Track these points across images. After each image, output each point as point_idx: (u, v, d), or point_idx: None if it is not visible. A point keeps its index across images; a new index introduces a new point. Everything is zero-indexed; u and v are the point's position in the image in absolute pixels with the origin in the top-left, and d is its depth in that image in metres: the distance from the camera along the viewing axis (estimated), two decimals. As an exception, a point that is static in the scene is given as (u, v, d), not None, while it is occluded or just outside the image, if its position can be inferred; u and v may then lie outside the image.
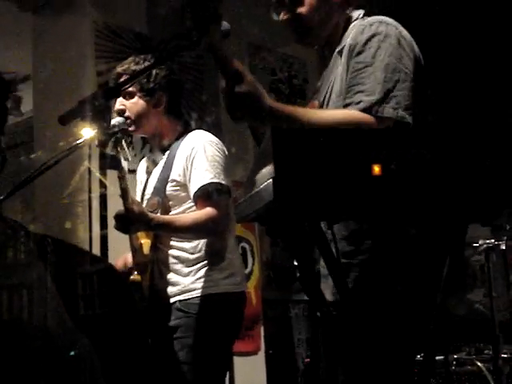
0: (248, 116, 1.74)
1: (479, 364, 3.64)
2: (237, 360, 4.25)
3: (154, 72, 2.79)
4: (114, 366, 2.58)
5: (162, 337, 2.69)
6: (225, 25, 1.91)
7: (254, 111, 1.71)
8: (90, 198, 4.07)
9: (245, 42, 5.33)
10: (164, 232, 2.72)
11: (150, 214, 2.61)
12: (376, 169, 1.39)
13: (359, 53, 1.88)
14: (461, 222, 1.59)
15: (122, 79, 2.66)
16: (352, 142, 1.40)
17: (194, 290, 2.68)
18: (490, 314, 3.53)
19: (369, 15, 2.03)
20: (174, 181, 2.73)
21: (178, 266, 2.73)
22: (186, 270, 2.71)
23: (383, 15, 1.97)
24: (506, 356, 3.53)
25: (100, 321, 2.60)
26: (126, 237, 2.76)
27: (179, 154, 2.75)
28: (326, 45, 2.10)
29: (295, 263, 1.76)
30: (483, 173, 1.46)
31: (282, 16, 2.06)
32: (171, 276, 2.73)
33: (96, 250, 3.94)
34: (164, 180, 2.76)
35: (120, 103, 2.79)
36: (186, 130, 2.86)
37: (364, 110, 1.81)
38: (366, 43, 1.88)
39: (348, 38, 1.97)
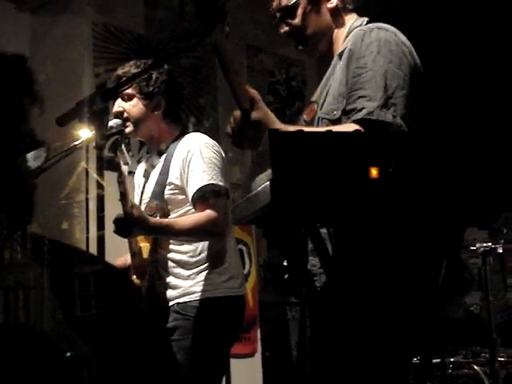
0: (252, 142, 1.77)
1: (476, 367, 3.64)
2: (233, 362, 4.24)
3: (154, 76, 2.78)
4: (111, 367, 2.58)
5: (160, 339, 2.68)
6: (223, 26, 1.91)
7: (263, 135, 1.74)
8: (87, 199, 4.06)
9: (243, 43, 5.33)
10: (164, 236, 2.71)
11: (149, 218, 2.60)
12: (373, 172, 1.39)
13: (359, 58, 1.90)
14: (458, 226, 1.59)
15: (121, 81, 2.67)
16: (350, 145, 1.41)
17: (194, 293, 2.67)
18: (486, 317, 3.53)
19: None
20: (171, 184, 2.73)
21: (178, 270, 2.72)
22: (186, 273, 2.71)
23: (381, 21, 1.99)
24: (502, 359, 3.53)
25: (98, 321, 2.59)
26: (123, 238, 2.75)
27: (176, 156, 2.75)
28: (329, 51, 2.13)
29: (285, 263, 1.77)
30: (480, 177, 1.46)
31: (282, 29, 2.13)
32: (170, 279, 2.72)
33: (93, 251, 3.93)
34: (162, 183, 2.75)
35: (118, 105, 2.79)
36: (183, 132, 2.86)
37: (367, 115, 1.82)
38: (366, 49, 1.90)
39: (349, 43, 1.99)
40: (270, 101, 5.32)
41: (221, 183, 2.68)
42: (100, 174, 4.03)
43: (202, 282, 2.68)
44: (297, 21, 2.08)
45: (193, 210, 2.70)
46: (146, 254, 2.73)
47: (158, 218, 2.70)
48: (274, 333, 5.17)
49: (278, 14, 2.11)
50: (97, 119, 1.82)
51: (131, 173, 3.10)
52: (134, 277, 2.73)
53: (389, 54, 1.87)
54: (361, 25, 2.05)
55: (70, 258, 2.77)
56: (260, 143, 1.76)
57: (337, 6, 2.11)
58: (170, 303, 2.69)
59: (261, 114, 1.78)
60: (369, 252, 1.85)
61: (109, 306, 2.62)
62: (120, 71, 2.77)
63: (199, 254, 2.71)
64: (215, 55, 1.76)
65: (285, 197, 1.36)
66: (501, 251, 3.70)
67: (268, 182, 1.36)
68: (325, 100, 2.01)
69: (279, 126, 1.79)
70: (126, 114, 2.77)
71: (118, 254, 2.92)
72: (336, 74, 1.99)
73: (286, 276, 1.86)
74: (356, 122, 1.83)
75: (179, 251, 2.72)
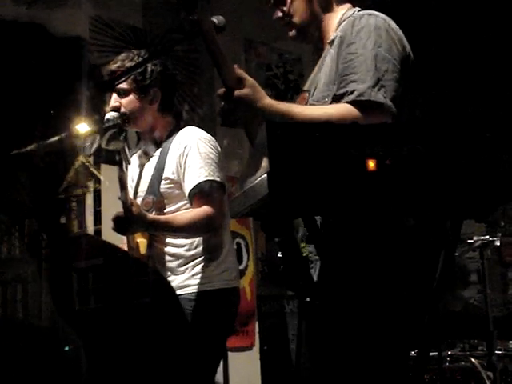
0: (242, 121, 1.76)
1: (473, 360, 3.65)
2: (231, 355, 4.25)
3: (149, 68, 2.78)
4: (109, 361, 2.58)
5: (156, 332, 2.68)
6: (220, 19, 1.91)
7: (252, 113, 1.73)
8: (84, 194, 4.06)
9: (240, 37, 5.32)
10: (162, 232, 2.71)
11: (148, 215, 2.61)
12: (371, 164, 1.39)
13: (350, 44, 1.91)
14: (455, 218, 1.59)
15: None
16: (347, 136, 1.40)
17: (189, 286, 2.68)
18: (484, 310, 3.54)
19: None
20: (167, 179, 2.73)
21: (174, 264, 2.72)
22: (182, 267, 2.71)
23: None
24: (499, 352, 3.54)
25: (97, 315, 2.59)
26: (122, 235, 2.75)
27: (172, 151, 2.75)
28: (320, 40, 2.13)
29: (279, 255, 1.77)
30: (478, 169, 1.46)
31: (275, 15, 2.13)
32: (167, 274, 2.73)
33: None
34: (157, 178, 2.75)
35: (115, 100, 2.78)
36: (178, 125, 2.85)
37: (358, 97, 1.82)
38: (356, 35, 1.91)
39: (338, 30, 2.00)
40: (267, 94, 5.31)
41: (218, 179, 2.69)
42: (97, 168, 4.03)
43: (198, 275, 2.69)
44: (286, 7, 2.10)
45: (188, 205, 2.70)
46: (143, 249, 2.73)
47: (153, 212, 2.71)
48: (272, 326, 5.18)
49: (271, 0, 2.12)
50: (94, 112, 1.82)
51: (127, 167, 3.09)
52: None
53: (379, 39, 1.88)
54: (352, 14, 2.06)
55: (70, 250, 2.77)
56: (254, 121, 1.76)
57: None
58: (169, 296, 2.70)
59: (246, 92, 1.77)
60: (366, 244, 1.85)
61: (113, 298, 2.62)
62: (113, 66, 2.76)
63: (195, 247, 2.72)
64: (199, 33, 1.77)
65: (282, 189, 1.36)
66: (498, 244, 3.70)
67: (265, 175, 1.36)
68: (316, 87, 2.01)
69: (268, 101, 1.79)
70: (122, 109, 2.76)
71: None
72: (327, 62, 2.00)
73: (281, 268, 1.85)
74: (348, 104, 1.84)
75: (175, 245, 2.73)
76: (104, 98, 2.78)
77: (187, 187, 2.68)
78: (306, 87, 2.12)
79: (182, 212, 2.71)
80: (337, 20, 2.08)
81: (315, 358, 1.90)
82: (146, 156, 2.88)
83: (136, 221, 2.52)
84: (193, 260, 2.71)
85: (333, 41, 2.01)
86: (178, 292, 2.68)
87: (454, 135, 1.48)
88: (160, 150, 2.81)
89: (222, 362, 3.37)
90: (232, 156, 4.41)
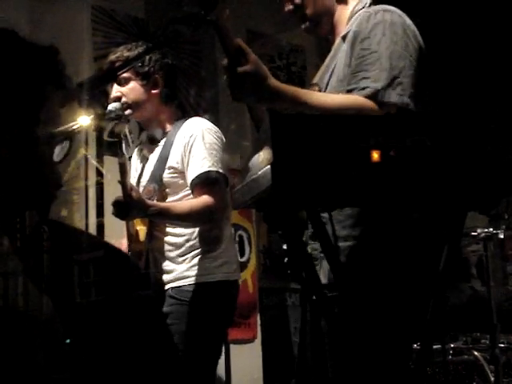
0: (249, 96, 1.74)
1: (476, 353, 3.63)
2: (233, 348, 4.25)
3: (147, 56, 2.77)
4: (109, 353, 2.58)
5: (155, 323, 2.68)
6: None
7: (256, 91, 1.71)
8: (86, 186, 4.05)
9: (243, 28, 5.30)
10: (161, 219, 2.71)
11: (147, 201, 2.60)
12: (375, 155, 1.38)
13: (364, 40, 1.89)
14: (459, 210, 1.58)
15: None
16: (352, 127, 1.39)
17: (188, 277, 2.68)
18: (487, 303, 3.52)
19: (375, 4, 2.03)
20: (171, 168, 2.73)
21: (173, 254, 2.72)
22: (181, 257, 2.71)
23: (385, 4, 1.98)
24: (503, 345, 3.52)
25: (99, 307, 2.59)
26: (123, 224, 2.75)
27: (177, 141, 2.74)
28: (331, 32, 2.12)
29: (284, 247, 1.76)
30: (482, 161, 1.45)
31: (286, 7, 2.12)
32: (166, 264, 2.73)
33: (92, 238, 3.92)
34: (161, 167, 2.75)
35: (116, 90, 2.78)
36: (183, 116, 2.85)
37: (369, 97, 1.81)
38: (371, 30, 1.88)
39: (353, 25, 1.97)
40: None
41: (221, 170, 2.69)
42: (100, 160, 4.02)
43: (197, 267, 2.69)
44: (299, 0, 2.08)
45: (191, 195, 2.70)
46: (142, 237, 2.73)
47: (155, 201, 2.70)
48: (274, 319, 5.18)
49: None
50: (96, 103, 1.81)
51: (129, 158, 3.08)
52: None
53: (394, 36, 1.86)
54: (364, 7, 2.03)
55: (70, 242, 2.76)
56: (260, 99, 1.73)
57: None
58: (165, 287, 2.70)
59: (249, 67, 1.72)
60: (370, 236, 1.84)
61: (110, 291, 2.61)
62: (113, 56, 2.75)
63: (195, 238, 2.72)
64: (216, 35, 1.75)
65: (286, 180, 1.35)
66: (502, 237, 3.69)
67: (269, 166, 1.35)
68: (328, 82, 1.99)
69: (271, 81, 1.74)
70: (124, 99, 2.75)
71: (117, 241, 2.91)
72: (340, 56, 1.97)
73: (286, 260, 1.84)
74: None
75: (175, 234, 2.73)
76: (106, 90, 2.77)
77: (189, 177, 2.68)
78: (315, 80, 2.10)
79: (183, 201, 2.71)
80: (348, 12, 2.06)
81: (319, 349, 1.89)
82: (150, 146, 2.87)
83: (135, 206, 2.51)
84: (192, 250, 2.71)
85: (346, 35, 1.98)
86: (177, 283, 2.68)
87: (458, 127, 1.47)
88: (165, 139, 2.80)
89: (223, 355, 3.36)
90: (235, 148, 4.40)
